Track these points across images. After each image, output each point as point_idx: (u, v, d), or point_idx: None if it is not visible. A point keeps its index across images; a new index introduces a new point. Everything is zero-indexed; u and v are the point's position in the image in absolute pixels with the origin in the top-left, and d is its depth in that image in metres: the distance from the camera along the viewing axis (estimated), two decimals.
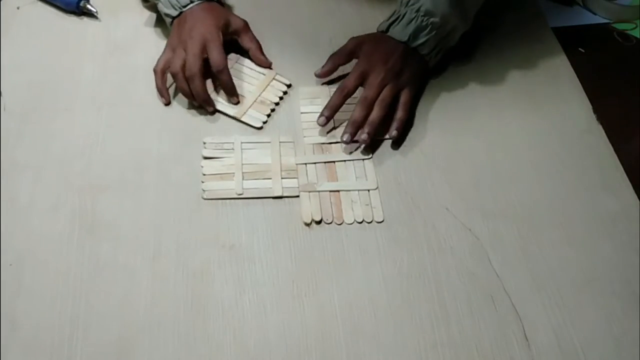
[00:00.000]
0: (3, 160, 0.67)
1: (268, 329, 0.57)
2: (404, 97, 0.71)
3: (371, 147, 0.70)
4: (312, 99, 0.74)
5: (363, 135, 0.68)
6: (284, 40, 0.80)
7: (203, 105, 0.72)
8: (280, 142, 0.70)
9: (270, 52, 0.78)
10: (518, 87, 0.77)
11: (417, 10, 0.71)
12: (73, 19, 0.82)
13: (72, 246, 0.61)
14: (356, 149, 0.70)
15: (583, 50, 0.83)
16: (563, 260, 0.63)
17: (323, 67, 0.74)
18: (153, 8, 0.80)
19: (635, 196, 0.67)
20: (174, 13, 0.74)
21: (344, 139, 0.68)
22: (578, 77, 0.78)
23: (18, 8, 0.82)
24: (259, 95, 0.74)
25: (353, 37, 0.74)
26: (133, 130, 0.70)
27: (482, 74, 0.78)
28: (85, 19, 0.82)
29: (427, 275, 0.61)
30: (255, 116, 0.72)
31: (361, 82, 0.71)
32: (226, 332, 0.57)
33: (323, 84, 0.75)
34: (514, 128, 0.73)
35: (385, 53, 0.71)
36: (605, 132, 0.73)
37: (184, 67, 0.70)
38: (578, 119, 0.74)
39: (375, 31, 0.75)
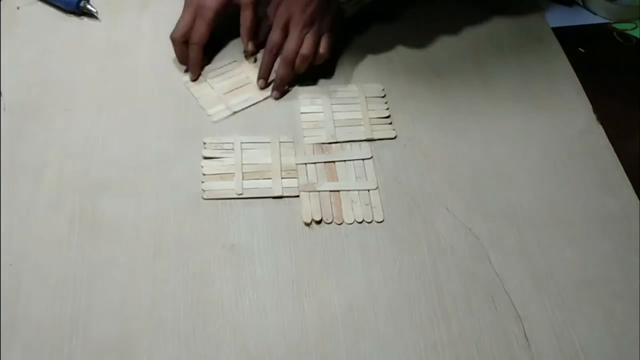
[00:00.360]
0: (3, 160, 0.67)
1: (268, 329, 0.57)
2: (322, 47, 0.72)
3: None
4: (312, 99, 0.74)
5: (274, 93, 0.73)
6: None
7: (188, 70, 0.75)
8: (280, 142, 0.70)
9: None
10: (518, 87, 0.77)
11: None
12: (73, 19, 0.82)
13: (72, 246, 0.61)
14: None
15: (583, 50, 0.83)
16: (563, 260, 0.63)
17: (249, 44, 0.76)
18: None
19: (635, 196, 0.68)
20: None
21: (274, 95, 0.73)
22: (578, 77, 0.78)
23: (18, 8, 0.82)
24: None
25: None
26: (133, 130, 0.71)
27: (482, 74, 0.78)
28: (85, 19, 0.82)
29: (427, 275, 0.61)
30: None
31: (285, 34, 0.72)
32: (226, 332, 0.57)
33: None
34: (513, 128, 0.73)
35: (303, 1, 0.72)
36: (605, 131, 0.73)
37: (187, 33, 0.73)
38: (578, 118, 0.74)
39: None
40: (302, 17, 0.71)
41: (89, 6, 0.81)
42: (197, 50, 0.74)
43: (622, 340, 0.58)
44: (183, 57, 0.75)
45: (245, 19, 0.75)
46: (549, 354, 0.57)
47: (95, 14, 0.81)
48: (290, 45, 0.71)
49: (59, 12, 0.82)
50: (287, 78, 0.73)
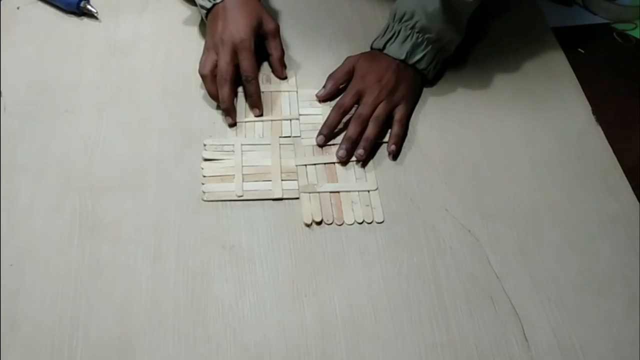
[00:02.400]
0: (3, 161, 0.67)
1: (268, 329, 0.57)
2: (398, 114, 0.71)
3: (366, 160, 0.70)
4: (312, 101, 0.74)
5: (359, 150, 0.68)
6: (284, 41, 0.80)
7: (223, 113, 0.71)
8: (280, 144, 0.70)
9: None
10: (517, 88, 0.77)
11: (412, 27, 0.71)
12: (73, 19, 0.82)
13: (72, 247, 0.61)
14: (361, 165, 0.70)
15: (583, 51, 0.83)
16: (562, 261, 0.63)
17: (324, 87, 0.74)
18: (191, 1, 0.77)
19: (634, 197, 0.68)
20: (208, 5, 0.73)
21: (340, 154, 0.68)
22: (577, 77, 0.78)
23: (18, 8, 0.82)
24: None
25: (349, 57, 0.75)
26: (133, 131, 0.70)
27: (482, 74, 0.78)
28: (86, 20, 0.82)
29: (427, 275, 0.61)
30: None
31: (357, 100, 0.71)
32: (226, 332, 0.57)
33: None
34: (513, 129, 0.73)
35: (379, 71, 0.72)
36: (605, 132, 0.73)
37: (214, 69, 0.70)
38: (577, 119, 0.74)
39: (370, 48, 0.75)
40: (377, 86, 0.71)
41: (89, 6, 0.81)
42: (256, 84, 0.71)
43: (621, 341, 0.58)
44: (214, 92, 0.72)
45: (277, 46, 0.75)
46: (549, 354, 0.57)
47: (95, 14, 0.81)
48: (362, 109, 0.70)
49: (59, 12, 0.82)
50: (355, 137, 0.69)
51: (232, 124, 0.71)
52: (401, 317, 0.58)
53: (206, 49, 0.73)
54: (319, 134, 0.70)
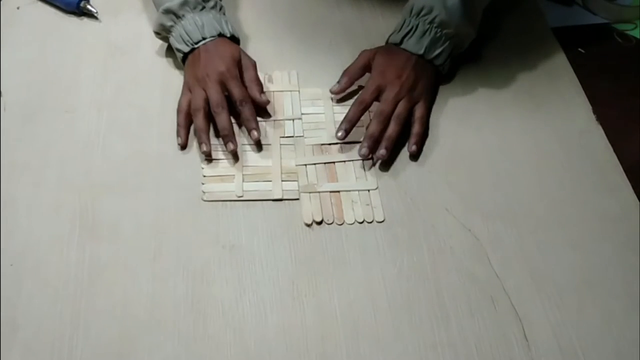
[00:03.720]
0: (3, 161, 0.67)
1: (268, 329, 0.57)
2: (419, 111, 0.71)
3: (388, 161, 0.69)
4: (313, 100, 0.75)
5: (381, 150, 0.68)
6: (284, 41, 0.80)
7: (224, 141, 0.68)
8: (280, 144, 0.70)
9: (270, 53, 0.78)
10: (518, 87, 0.77)
11: (431, 22, 0.71)
12: (73, 19, 0.82)
13: (72, 247, 0.61)
14: (373, 164, 0.69)
15: (583, 51, 0.83)
16: (562, 261, 0.63)
17: (338, 83, 0.73)
18: (166, 40, 0.76)
19: (635, 196, 0.68)
20: (186, 49, 0.72)
21: (362, 152, 0.68)
22: (578, 77, 0.78)
23: (18, 8, 0.83)
24: None
25: (365, 50, 0.74)
26: (133, 131, 0.71)
27: (482, 74, 0.78)
28: (86, 20, 0.82)
29: (427, 275, 0.61)
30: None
31: (377, 95, 0.71)
32: (226, 332, 0.57)
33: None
34: (513, 128, 0.73)
35: (398, 66, 0.71)
36: (605, 132, 0.73)
37: (206, 103, 0.69)
38: (578, 119, 0.74)
39: (386, 42, 0.75)
40: (397, 83, 0.70)
41: (89, 6, 0.81)
42: (251, 107, 0.70)
43: (621, 341, 0.58)
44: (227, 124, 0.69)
45: (253, 78, 0.72)
46: (549, 354, 0.57)
47: (95, 14, 0.81)
48: (384, 106, 0.69)
49: (59, 12, 0.82)
50: (378, 134, 0.68)
51: (234, 150, 0.68)
52: (401, 317, 0.58)
53: (186, 88, 0.72)
54: (339, 129, 0.69)
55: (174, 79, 0.75)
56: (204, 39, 0.71)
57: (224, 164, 0.68)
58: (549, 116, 0.75)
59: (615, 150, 0.71)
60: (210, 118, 0.70)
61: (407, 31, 0.72)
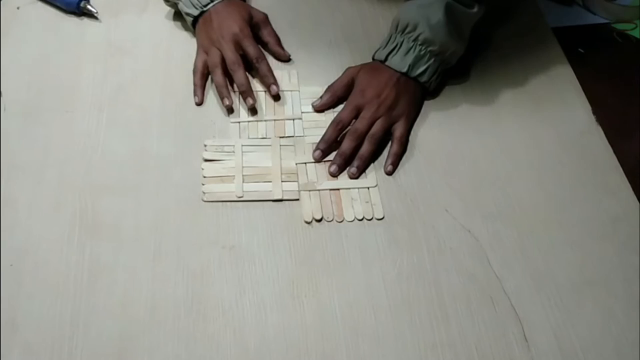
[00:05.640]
0: (3, 161, 0.67)
1: (268, 329, 0.57)
2: (398, 131, 0.70)
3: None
4: (313, 99, 0.74)
5: (352, 169, 0.68)
6: (284, 40, 0.80)
7: (243, 97, 0.72)
8: (280, 144, 0.70)
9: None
10: (517, 88, 0.77)
11: (415, 39, 0.70)
12: (73, 19, 0.82)
13: (72, 247, 0.61)
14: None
15: (583, 51, 0.83)
16: (562, 261, 0.63)
17: (321, 98, 0.73)
18: (174, 6, 0.80)
19: (635, 197, 0.68)
20: (195, 12, 0.75)
21: (332, 170, 0.67)
22: (578, 77, 0.78)
23: (18, 8, 0.82)
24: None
25: (349, 67, 0.74)
26: (134, 131, 0.71)
27: (482, 74, 0.78)
28: (86, 20, 0.82)
29: (427, 276, 0.61)
30: None
31: (355, 115, 0.70)
32: (226, 332, 0.57)
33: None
34: (513, 129, 0.73)
35: (379, 85, 0.71)
36: (605, 132, 0.73)
37: (223, 62, 0.73)
38: (577, 119, 0.74)
39: (372, 58, 0.74)
40: (375, 102, 0.70)
41: (89, 6, 0.81)
42: (267, 63, 0.74)
43: (621, 341, 0.58)
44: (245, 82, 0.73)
45: (271, 33, 0.78)
46: (548, 354, 0.57)
47: (95, 14, 0.81)
48: (359, 124, 0.69)
49: (59, 12, 0.82)
50: (349, 152, 0.68)
51: (253, 105, 0.72)
52: (401, 318, 0.58)
53: (202, 50, 0.75)
54: (316, 149, 0.69)
55: (174, 79, 0.75)
56: (212, 1, 0.75)
57: (224, 164, 0.68)
58: (549, 116, 0.75)
59: (615, 151, 0.71)
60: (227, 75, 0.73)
61: (392, 48, 0.72)
